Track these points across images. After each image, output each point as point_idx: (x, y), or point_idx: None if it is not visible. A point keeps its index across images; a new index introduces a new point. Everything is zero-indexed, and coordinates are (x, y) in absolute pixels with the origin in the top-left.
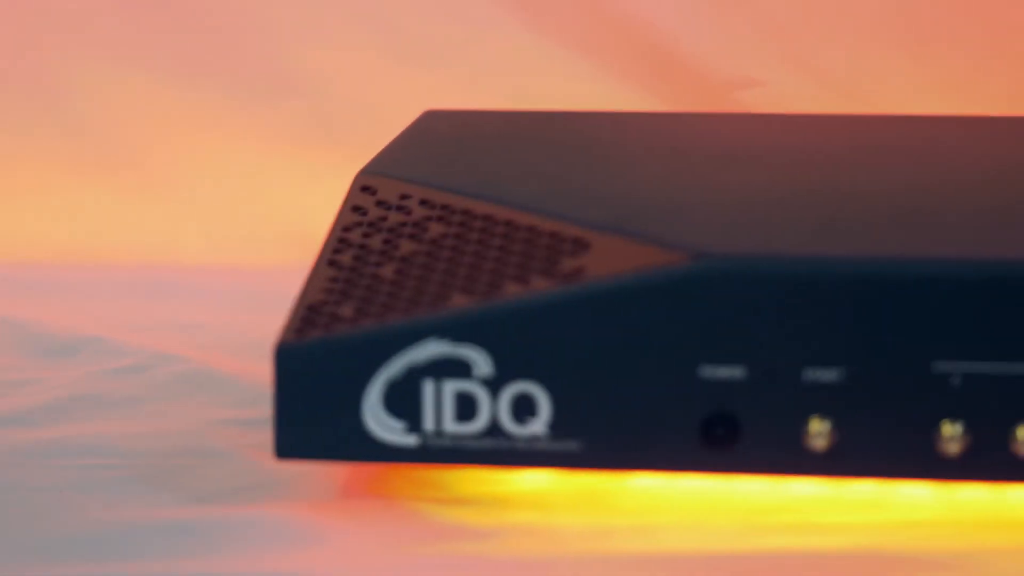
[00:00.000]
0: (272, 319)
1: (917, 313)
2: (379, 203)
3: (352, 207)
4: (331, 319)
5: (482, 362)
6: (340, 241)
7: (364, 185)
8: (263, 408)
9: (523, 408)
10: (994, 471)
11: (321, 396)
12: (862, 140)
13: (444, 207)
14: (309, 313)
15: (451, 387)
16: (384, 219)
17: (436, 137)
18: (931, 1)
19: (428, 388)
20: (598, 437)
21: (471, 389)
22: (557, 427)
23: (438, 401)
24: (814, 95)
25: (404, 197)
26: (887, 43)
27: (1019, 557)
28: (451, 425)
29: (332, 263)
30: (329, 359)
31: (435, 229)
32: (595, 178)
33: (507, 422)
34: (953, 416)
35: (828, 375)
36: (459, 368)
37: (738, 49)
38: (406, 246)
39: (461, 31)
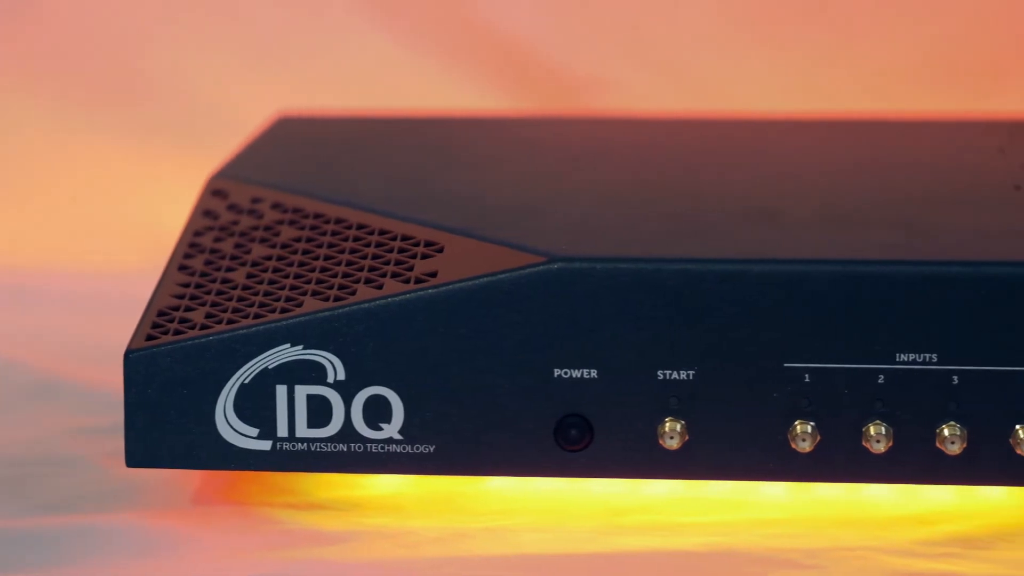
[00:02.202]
0: (123, 324)
1: (768, 313)
2: (231, 207)
3: (203, 211)
4: (182, 324)
5: (335, 367)
6: (191, 246)
7: (216, 189)
8: (114, 416)
9: (376, 412)
10: (846, 469)
11: (172, 403)
12: (715, 141)
13: (296, 211)
14: (159, 319)
15: (304, 392)
16: (236, 223)
17: (288, 141)
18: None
19: (281, 393)
20: (452, 440)
21: (324, 394)
22: (410, 431)
23: (291, 406)
24: (668, 95)
25: (256, 201)
26: (741, 43)
27: (872, 555)
28: (304, 430)
29: (183, 268)
30: (180, 365)
31: (287, 233)
32: (449, 181)
33: (360, 426)
34: (805, 415)
35: (681, 376)
36: (312, 373)
37: (593, 50)
38: (258, 250)
39: (315, 33)
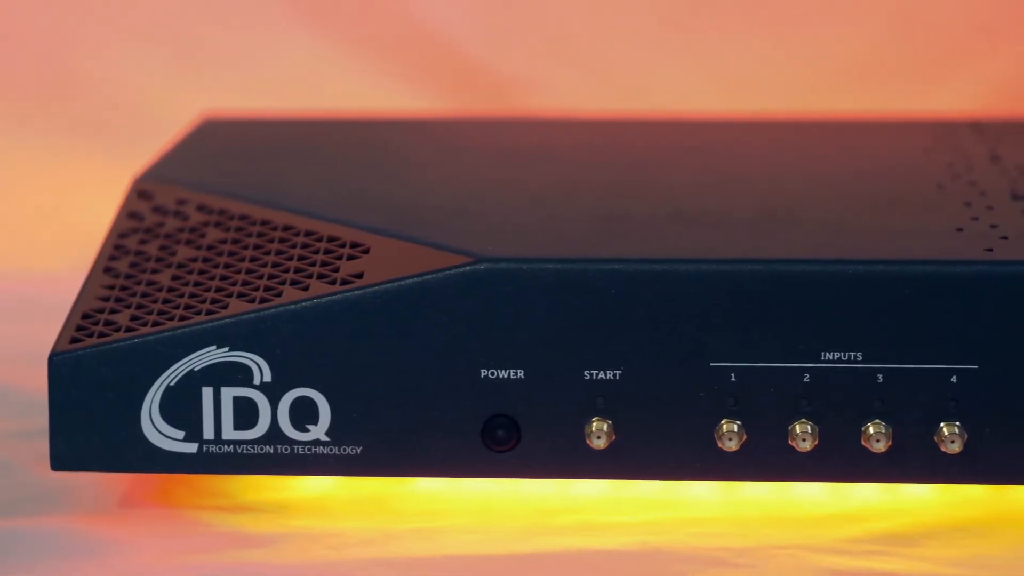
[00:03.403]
0: (47, 327)
1: (694, 312)
2: (156, 209)
3: (128, 213)
4: (107, 327)
5: (261, 368)
6: (116, 248)
7: (141, 191)
8: (39, 419)
9: (303, 414)
10: (773, 468)
11: (97, 406)
12: (643, 141)
13: (222, 212)
14: (84, 321)
15: (230, 394)
16: (161, 225)
17: (214, 142)
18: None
19: (206, 395)
20: (379, 442)
21: (250, 396)
22: (337, 432)
23: (217, 408)
24: (596, 95)
25: (181, 202)
26: (670, 43)
27: (800, 553)
28: (230, 432)
29: (108, 270)
30: (105, 368)
31: (213, 235)
32: (375, 182)
33: (287, 428)
34: (731, 414)
35: (607, 375)
36: (238, 375)
37: (521, 50)
38: (183, 252)
39: (242, 33)
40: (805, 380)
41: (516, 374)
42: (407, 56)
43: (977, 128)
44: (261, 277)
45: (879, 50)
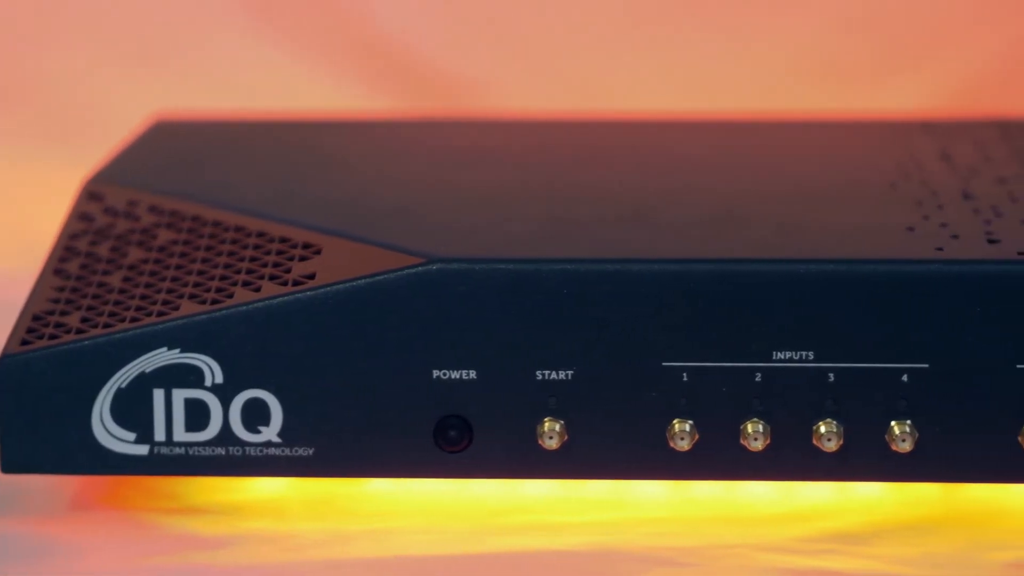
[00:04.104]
0: None
1: (646, 312)
2: (106, 210)
3: (79, 215)
4: (57, 329)
5: (212, 370)
6: (66, 249)
7: (91, 192)
8: None
9: (255, 415)
10: (724, 467)
11: (48, 408)
12: (593, 141)
13: (173, 214)
14: (34, 323)
15: (181, 396)
16: (112, 226)
17: (165, 143)
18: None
19: (158, 397)
20: (331, 443)
21: (202, 397)
22: (289, 434)
23: (168, 410)
24: (547, 96)
25: (132, 204)
26: (619, 43)
27: (751, 552)
28: (182, 434)
29: (58, 272)
30: (55, 370)
31: (164, 236)
32: (327, 183)
33: (239, 430)
34: (683, 414)
35: (559, 376)
36: (189, 376)
37: (472, 51)
38: (134, 253)
39: (194, 35)
40: (756, 380)
41: (468, 374)
42: (359, 57)
43: (928, 128)
44: (212, 278)
45: (831, 50)
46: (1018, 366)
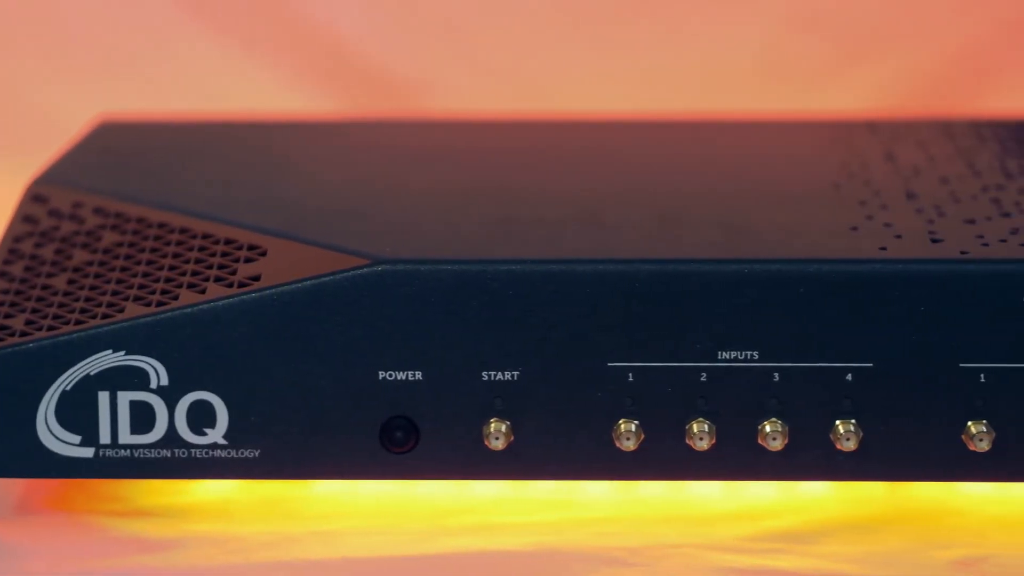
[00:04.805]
0: None
1: (591, 313)
2: (51, 212)
3: (23, 217)
4: (1, 332)
5: (158, 372)
6: (11, 252)
7: (36, 194)
8: None
9: (200, 417)
10: (670, 467)
11: None
12: (540, 142)
13: (118, 216)
14: None
15: (126, 398)
16: (56, 229)
17: (110, 145)
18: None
19: (103, 400)
20: (277, 444)
21: (147, 400)
22: (235, 435)
23: (113, 413)
24: (494, 96)
25: (77, 206)
26: (568, 43)
27: (697, 552)
28: (127, 436)
29: (2, 274)
30: (0, 373)
31: (109, 238)
32: (272, 185)
33: (184, 432)
34: (629, 414)
35: (505, 376)
36: (134, 379)
37: (418, 52)
38: (79, 256)
39: (139, 36)
40: (702, 379)
41: (414, 375)
42: (304, 59)
43: (872, 128)
44: (158, 280)
45: (776, 50)
46: (961, 365)
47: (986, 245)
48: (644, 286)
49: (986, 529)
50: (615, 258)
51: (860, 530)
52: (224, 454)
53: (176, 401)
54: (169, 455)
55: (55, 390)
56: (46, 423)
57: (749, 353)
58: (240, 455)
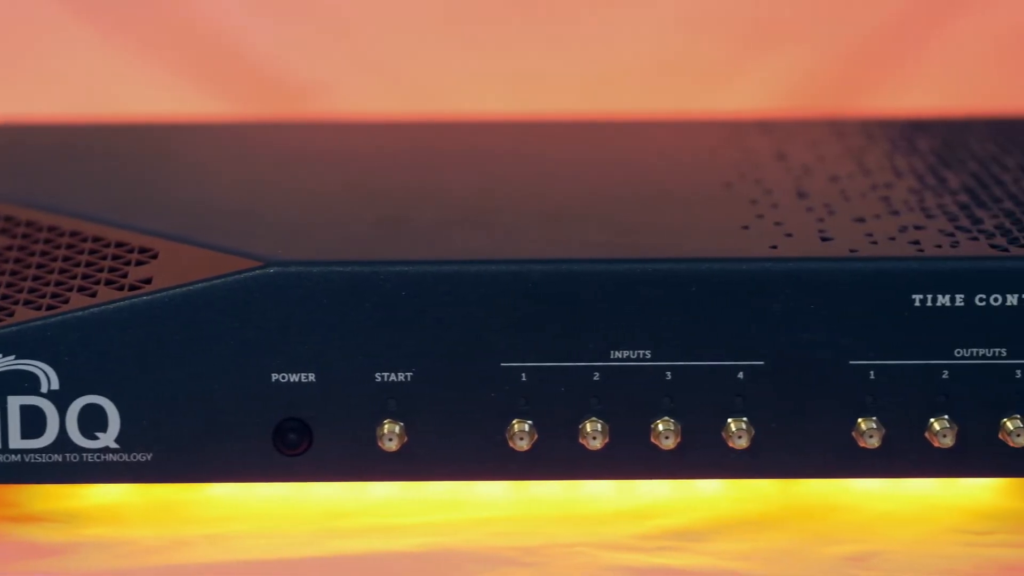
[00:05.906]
0: None
1: (484, 313)
2: None
3: None
4: None
5: (48, 376)
6: None
7: None
8: None
9: (92, 421)
10: (564, 466)
11: None
12: (431, 144)
13: (8, 219)
14: None
15: (16, 402)
16: None
17: (0, 148)
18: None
19: None
20: (170, 448)
21: (37, 404)
22: (127, 439)
23: (3, 417)
24: (383, 98)
25: None
26: (457, 44)
27: (590, 551)
28: (18, 441)
29: None
30: None
31: None
32: (164, 187)
33: (76, 436)
34: (522, 414)
35: (399, 377)
36: (24, 383)
37: (309, 53)
38: None
39: (29, 38)
40: (595, 378)
41: (307, 377)
42: (199, 61)
43: (764, 127)
44: (48, 284)
45: (666, 50)
46: (851, 362)
47: (875, 243)
48: (536, 286)
49: (876, 525)
50: (507, 258)
51: (752, 527)
52: (116, 458)
53: (67, 405)
54: (60, 460)
55: None
56: None
57: (641, 352)
58: (132, 459)
